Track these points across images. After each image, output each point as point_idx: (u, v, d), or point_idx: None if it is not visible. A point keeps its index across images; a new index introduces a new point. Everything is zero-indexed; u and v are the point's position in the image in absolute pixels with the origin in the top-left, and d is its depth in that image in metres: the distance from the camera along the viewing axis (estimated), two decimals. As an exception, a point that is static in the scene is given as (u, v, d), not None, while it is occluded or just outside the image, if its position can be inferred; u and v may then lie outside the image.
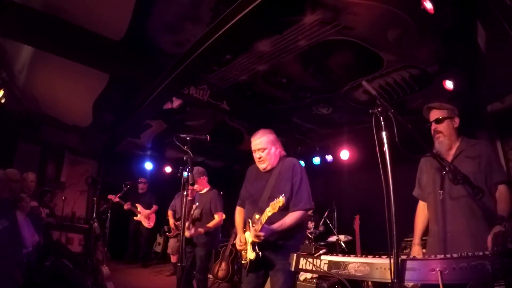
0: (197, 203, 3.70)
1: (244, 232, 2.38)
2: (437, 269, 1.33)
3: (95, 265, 4.25)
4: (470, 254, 1.41)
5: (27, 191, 3.89)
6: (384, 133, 1.45)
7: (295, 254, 1.86)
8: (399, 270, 1.35)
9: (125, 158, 7.39)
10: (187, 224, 3.55)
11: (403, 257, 1.48)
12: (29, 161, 5.93)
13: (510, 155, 4.20)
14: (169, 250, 5.84)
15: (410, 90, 4.16)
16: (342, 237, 4.76)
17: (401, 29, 3.08)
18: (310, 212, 4.82)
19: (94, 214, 4.72)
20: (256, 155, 2.43)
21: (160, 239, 6.73)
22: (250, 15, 2.59)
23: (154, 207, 6.55)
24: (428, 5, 2.63)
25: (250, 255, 2.21)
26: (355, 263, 1.57)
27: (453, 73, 3.67)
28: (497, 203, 1.95)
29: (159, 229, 6.58)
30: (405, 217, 2.48)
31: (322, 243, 4.65)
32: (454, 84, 3.66)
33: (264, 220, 2.12)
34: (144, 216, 6.41)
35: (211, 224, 3.67)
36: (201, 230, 3.57)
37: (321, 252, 1.75)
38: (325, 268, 1.68)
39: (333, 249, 4.66)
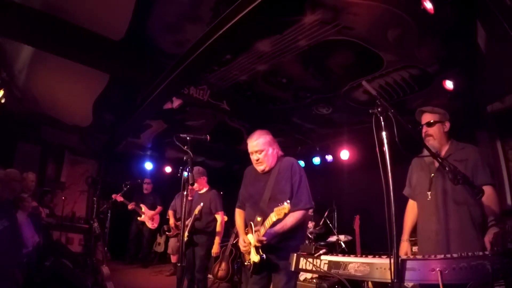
0: (202, 203, 3.73)
1: (246, 234, 2.37)
2: (437, 269, 1.33)
3: (95, 265, 4.25)
4: (470, 254, 1.41)
5: (27, 191, 3.89)
6: (384, 133, 1.45)
7: (295, 254, 1.85)
8: (399, 270, 1.35)
9: (125, 158, 7.39)
10: (189, 222, 3.62)
11: (403, 257, 1.48)
12: (29, 161, 5.94)
13: (510, 155, 4.20)
14: (169, 250, 5.85)
15: (410, 90, 4.16)
16: (342, 237, 4.75)
17: (401, 29, 3.08)
18: (310, 212, 4.83)
19: (94, 214, 4.72)
20: (253, 157, 2.41)
21: (160, 239, 6.73)
22: (250, 15, 2.59)
23: (159, 208, 6.54)
24: (428, 5, 2.63)
25: (254, 258, 2.21)
26: (355, 263, 1.57)
27: (453, 73, 3.67)
28: (484, 204, 2.00)
29: (159, 229, 6.59)
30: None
31: (322, 243, 4.65)
32: (454, 84, 3.66)
33: (268, 226, 2.12)
34: (148, 217, 6.41)
35: (219, 228, 3.79)
36: (217, 240, 3.74)
37: (321, 252, 1.75)
38: (325, 268, 1.68)
39: (333, 249, 4.66)
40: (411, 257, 1.63)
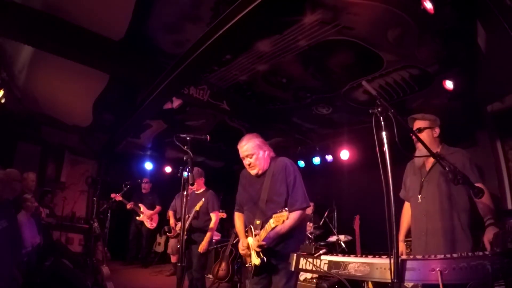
0: (203, 199, 3.82)
1: (246, 237, 2.38)
2: (437, 269, 1.33)
3: (95, 265, 4.25)
4: (470, 254, 1.41)
5: (27, 191, 3.89)
6: (384, 133, 1.45)
7: (295, 254, 1.86)
8: (399, 270, 1.35)
9: (125, 158, 7.39)
10: (191, 216, 3.70)
11: (403, 257, 1.48)
12: (29, 161, 5.93)
13: (510, 155, 4.20)
14: (169, 250, 5.85)
15: (410, 90, 4.16)
16: (342, 237, 4.75)
17: (401, 29, 3.08)
18: (309, 212, 4.84)
19: (94, 214, 4.72)
20: (245, 162, 2.42)
21: (160, 239, 6.73)
22: (250, 15, 2.59)
23: (158, 208, 6.53)
24: (428, 5, 2.63)
25: (255, 260, 2.22)
26: (355, 263, 1.57)
27: (453, 73, 3.66)
28: (478, 204, 2.09)
29: (160, 229, 6.59)
30: (405, 217, 2.52)
31: (322, 243, 4.65)
32: (454, 84, 3.66)
33: (268, 231, 2.13)
34: (147, 217, 6.41)
35: (212, 225, 3.87)
36: (208, 236, 3.79)
37: (321, 252, 1.75)
38: (325, 268, 1.68)
39: (333, 249, 4.66)
40: (410, 257, 1.63)
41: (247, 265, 2.34)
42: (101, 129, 6.00)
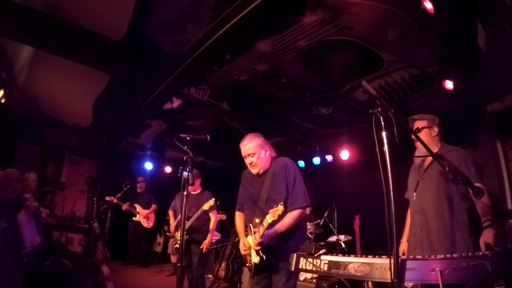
0: (213, 198, 3.89)
1: (246, 236, 2.38)
2: (437, 269, 1.33)
3: (95, 265, 4.25)
4: (470, 254, 1.41)
5: (28, 191, 3.89)
6: (384, 133, 1.45)
7: (295, 254, 1.86)
8: (399, 270, 1.35)
9: (125, 158, 7.39)
10: (195, 215, 3.75)
11: (403, 257, 1.48)
12: (29, 161, 5.94)
13: (510, 155, 4.20)
14: (169, 250, 5.85)
15: (410, 90, 4.16)
16: (342, 237, 4.75)
17: (401, 29, 3.08)
18: (309, 212, 4.84)
19: (94, 214, 4.72)
20: (247, 161, 2.44)
21: (160, 239, 6.73)
22: (250, 15, 2.59)
23: (153, 207, 6.52)
24: (428, 5, 2.63)
25: (255, 259, 2.22)
26: (355, 263, 1.57)
27: (453, 73, 3.66)
28: (476, 205, 2.09)
29: (159, 229, 6.58)
30: (405, 217, 2.52)
31: (322, 243, 4.64)
32: (454, 84, 3.66)
33: (265, 227, 2.14)
34: (143, 216, 6.39)
35: (212, 226, 3.95)
36: (209, 237, 3.87)
37: (321, 252, 1.75)
38: (325, 268, 1.68)
39: (333, 249, 4.66)
40: (410, 257, 1.63)
41: (247, 265, 2.34)
42: (101, 129, 5.99)
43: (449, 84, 3.67)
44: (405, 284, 1.48)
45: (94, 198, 5.31)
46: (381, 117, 1.47)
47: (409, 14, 2.87)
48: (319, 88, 4.46)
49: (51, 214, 5.64)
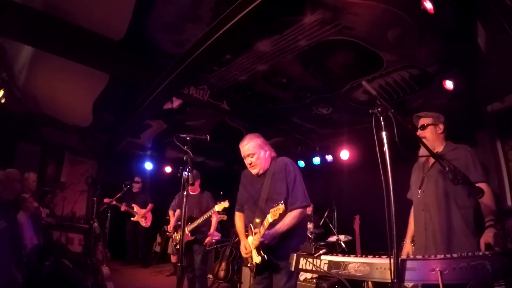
0: (226, 200, 3.89)
1: (247, 236, 2.38)
2: (437, 269, 1.33)
3: (95, 265, 4.25)
4: (470, 254, 1.41)
5: (27, 191, 3.89)
6: (384, 133, 1.45)
7: (295, 254, 1.85)
8: (399, 270, 1.35)
9: (125, 158, 7.39)
10: (204, 217, 3.77)
11: (403, 257, 1.48)
12: (29, 161, 5.93)
13: (510, 155, 4.20)
14: (169, 250, 5.85)
15: (410, 90, 4.16)
16: (342, 237, 4.75)
17: (401, 29, 3.08)
18: (309, 211, 4.85)
19: (94, 214, 4.72)
20: (246, 161, 2.44)
21: (160, 239, 6.73)
22: (250, 15, 2.59)
23: (150, 206, 6.52)
24: (428, 5, 2.63)
25: (256, 259, 2.22)
26: (355, 263, 1.57)
27: (453, 73, 3.66)
28: (480, 204, 2.06)
29: (159, 229, 6.58)
30: (405, 217, 2.52)
31: (322, 243, 4.64)
32: (454, 84, 3.66)
33: (266, 227, 2.14)
34: (141, 216, 6.40)
35: (213, 227, 4.04)
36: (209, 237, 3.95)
37: (321, 252, 1.75)
38: (325, 268, 1.68)
39: (333, 249, 4.65)
40: (410, 257, 1.63)
41: (248, 265, 2.34)
42: (101, 129, 5.99)
43: (449, 84, 3.67)
44: (405, 284, 1.48)
45: (94, 198, 5.30)
46: (381, 117, 1.47)
47: (409, 14, 2.87)
48: (319, 88, 4.46)
49: (51, 214, 5.64)
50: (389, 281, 1.36)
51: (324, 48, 3.48)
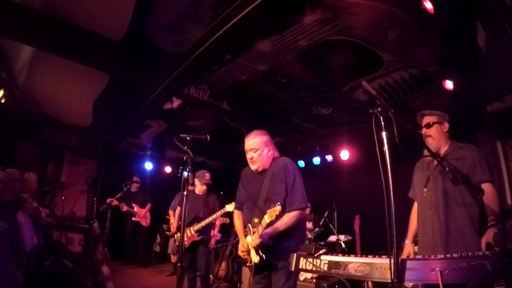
0: (229, 204, 3.87)
1: (245, 235, 2.38)
2: (437, 269, 1.33)
3: (95, 265, 4.25)
4: (470, 254, 1.41)
5: (27, 191, 3.88)
6: (384, 133, 1.45)
7: (295, 254, 1.85)
8: (399, 270, 1.35)
9: (125, 158, 7.39)
10: (212, 217, 3.77)
11: (403, 257, 1.48)
12: (29, 161, 5.93)
13: (510, 155, 4.20)
14: (169, 250, 5.85)
15: (410, 90, 4.16)
16: (342, 237, 4.75)
17: (401, 29, 3.08)
18: (308, 212, 4.85)
19: (94, 214, 4.72)
20: (248, 155, 2.44)
21: (159, 239, 6.73)
22: (250, 15, 2.59)
23: (149, 205, 6.54)
24: (428, 5, 2.63)
25: (254, 258, 2.22)
26: (355, 263, 1.57)
27: (453, 73, 3.66)
28: (484, 203, 2.04)
29: (159, 228, 6.58)
30: (405, 217, 2.52)
31: (322, 243, 4.65)
32: (454, 84, 3.66)
33: (263, 227, 2.14)
34: (141, 216, 6.41)
35: (216, 231, 4.14)
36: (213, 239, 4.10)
37: (321, 252, 1.75)
38: (325, 268, 1.68)
39: (333, 249, 4.66)
40: (410, 257, 1.63)
41: (248, 264, 2.34)
42: (101, 129, 5.99)
43: (449, 84, 3.67)
44: (405, 284, 1.48)
45: (94, 198, 5.31)
46: (381, 117, 1.47)
47: (409, 14, 2.87)
48: (319, 88, 4.46)
49: (51, 214, 5.64)
50: (389, 281, 1.36)
51: (324, 48, 3.48)
